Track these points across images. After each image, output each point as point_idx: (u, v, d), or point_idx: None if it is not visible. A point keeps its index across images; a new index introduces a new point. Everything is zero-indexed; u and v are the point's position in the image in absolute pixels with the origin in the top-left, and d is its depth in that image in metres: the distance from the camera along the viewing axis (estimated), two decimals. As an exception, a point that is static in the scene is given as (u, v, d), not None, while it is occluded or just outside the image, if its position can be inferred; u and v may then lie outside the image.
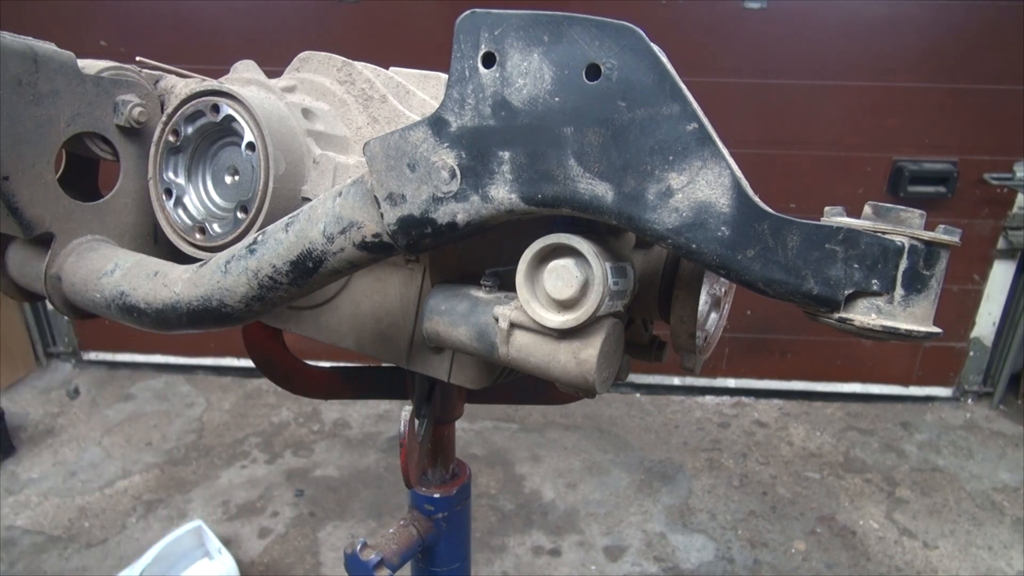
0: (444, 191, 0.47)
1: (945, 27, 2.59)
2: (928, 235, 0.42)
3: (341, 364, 1.08)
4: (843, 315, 0.42)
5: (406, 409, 0.76)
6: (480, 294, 0.58)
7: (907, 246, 0.42)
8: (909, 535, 2.36)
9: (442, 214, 0.48)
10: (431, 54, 2.54)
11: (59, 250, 0.66)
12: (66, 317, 0.88)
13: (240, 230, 0.63)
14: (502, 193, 0.46)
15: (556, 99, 0.43)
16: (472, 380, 0.67)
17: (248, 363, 2.72)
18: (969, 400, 3.17)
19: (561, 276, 0.48)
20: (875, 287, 0.42)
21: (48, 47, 0.62)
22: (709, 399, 3.19)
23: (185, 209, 0.67)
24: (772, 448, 2.84)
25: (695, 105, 0.41)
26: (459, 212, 0.47)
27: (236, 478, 2.59)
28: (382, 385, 1.03)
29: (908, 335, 0.42)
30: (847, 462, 2.75)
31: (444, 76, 0.69)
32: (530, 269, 0.50)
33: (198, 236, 0.66)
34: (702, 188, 0.41)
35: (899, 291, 0.42)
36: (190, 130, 0.66)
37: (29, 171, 0.62)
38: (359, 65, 0.72)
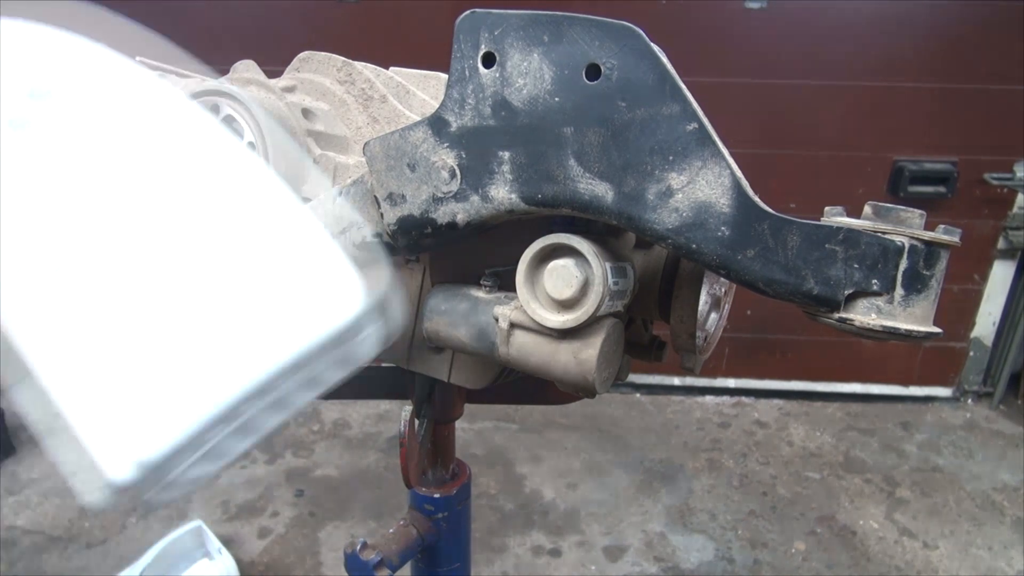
0: (444, 191, 0.47)
1: (945, 27, 2.59)
2: (928, 235, 0.42)
3: (341, 364, 1.07)
4: (843, 315, 0.42)
5: (406, 409, 0.76)
6: (480, 294, 0.58)
7: (907, 246, 0.42)
8: (909, 535, 2.36)
9: (442, 214, 0.48)
10: (431, 54, 2.54)
11: (59, 250, 0.66)
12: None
13: (240, 230, 0.63)
14: (502, 193, 0.46)
15: (556, 99, 0.43)
16: (472, 380, 0.67)
17: (248, 363, 2.71)
18: (969, 400, 3.17)
19: (561, 276, 0.48)
20: (875, 287, 0.42)
21: (48, 47, 0.62)
22: (709, 399, 3.19)
23: (185, 209, 0.67)
24: (772, 448, 2.84)
25: (695, 105, 0.41)
26: (459, 212, 0.47)
27: (236, 478, 2.58)
28: (382, 385, 1.03)
29: (908, 335, 0.42)
30: (847, 462, 2.75)
31: (444, 76, 0.69)
32: (530, 269, 0.50)
33: (198, 236, 0.66)
34: (702, 188, 0.41)
35: (899, 291, 0.42)
36: (190, 130, 0.66)
37: (29, 171, 0.62)
38: (359, 65, 0.72)
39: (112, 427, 0.36)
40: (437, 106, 0.47)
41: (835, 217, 0.45)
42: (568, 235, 0.48)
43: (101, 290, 0.37)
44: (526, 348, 0.53)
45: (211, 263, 0.38)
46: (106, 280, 0.37)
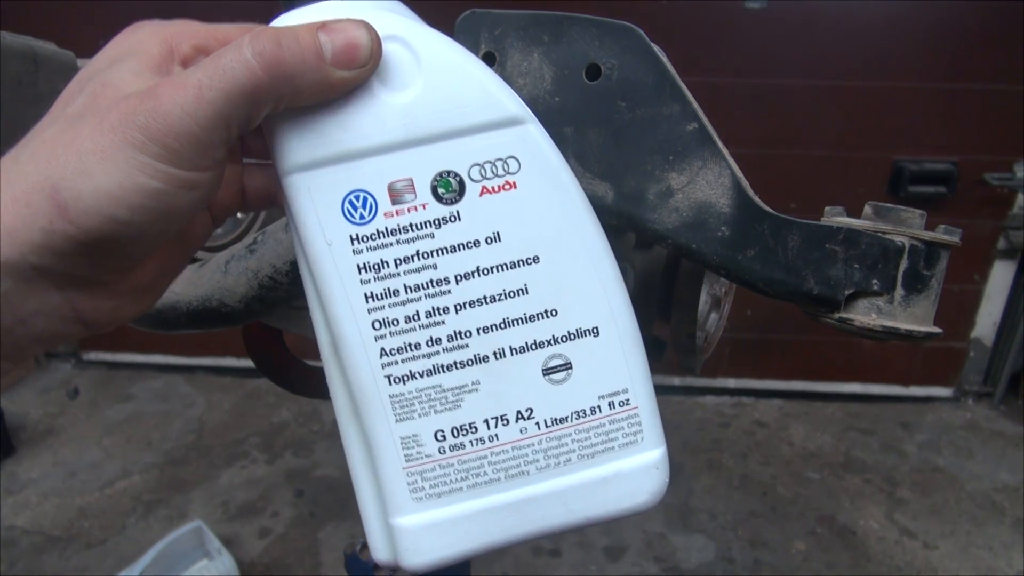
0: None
1: (945, 27, 2.59)
2: (928, 235, 0.42)
3: (341, 364, 1.07)
4: (843, 315, 0.42)
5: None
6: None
7: (907, 246, 0.42)
8: (909, 535, 2.36)
9: (442, 214, 0.48)
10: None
11: (59, 250, 0.66)
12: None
13: (240, 230, 0.63)
14: (502, 193, 0.46)
15: (556, 99, 0.43)
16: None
17: (248, 363, 2.72)
18: (969, 400, 3.17)
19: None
20: (875, 287, 0.42)
21: (48, 47, 0.62)
22: (709, 399, 3.19)
23: (185, 209, 0.67)
24: (772, 448, 2.84)
25: (695, 105, 0.41)
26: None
27: (236, 478, 2.59)
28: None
29: (908, 335, 0.42)
30: (847, 462, 2.75)
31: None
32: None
33: (198, 236, 0.66)
34: (702, 188, 0.41)
35: (899, 291, 0.42)
36: (190, 130, 0.65)
37: (29, 171, 0.62)
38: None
39: (387, 520, 0.36)
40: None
41: (835, 217, 0.45)
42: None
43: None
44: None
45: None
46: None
